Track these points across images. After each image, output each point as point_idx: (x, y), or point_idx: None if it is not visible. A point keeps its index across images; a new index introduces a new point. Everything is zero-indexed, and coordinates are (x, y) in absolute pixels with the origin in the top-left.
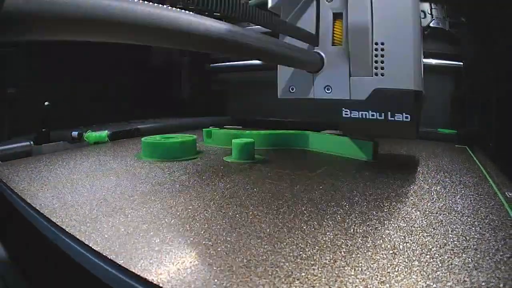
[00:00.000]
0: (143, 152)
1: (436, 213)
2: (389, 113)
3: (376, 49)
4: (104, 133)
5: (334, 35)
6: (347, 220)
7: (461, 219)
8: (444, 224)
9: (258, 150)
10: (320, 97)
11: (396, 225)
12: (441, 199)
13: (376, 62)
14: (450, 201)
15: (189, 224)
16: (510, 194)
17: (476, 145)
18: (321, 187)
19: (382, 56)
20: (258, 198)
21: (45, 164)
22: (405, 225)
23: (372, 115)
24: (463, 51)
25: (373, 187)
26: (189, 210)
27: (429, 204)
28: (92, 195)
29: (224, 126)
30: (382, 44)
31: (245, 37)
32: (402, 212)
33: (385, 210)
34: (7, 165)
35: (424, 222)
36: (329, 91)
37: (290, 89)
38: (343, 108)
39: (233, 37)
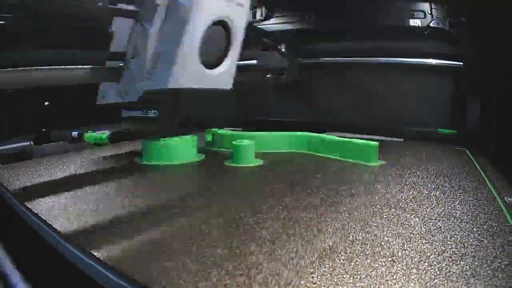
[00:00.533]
0: (144, 155)
1: (435, 219)
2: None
3: (153, 58)
4: (105, 134)
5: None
6: (347, 227)
7: (460, 225)
8: (443, 230)
9: (258, 152)
10: (112, 102)
11: (395, 231)
12: (440, 205)
13: (149, 68)
14: (449, 207)
15: (189, 232)
16: (509, 199)
17: (476, 147)
18: (320, 192)
19: (155, 63)
20: (258, 203)
21: (45, 168)
22: (404, 231)
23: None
24: (463, 51)
25: (373, 192)
26: (189, 216)
27: (428, 210)
28: (92, 202)
29: (225, 128)
30: (159, 53)
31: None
32: (402, 218)
33: (385, 216)
34: (7, 168)
35: (423, 228)
36: (122, 97)
37: (102, 97)
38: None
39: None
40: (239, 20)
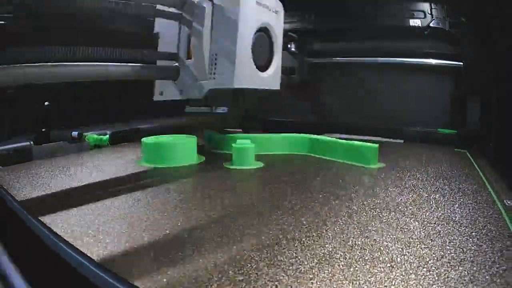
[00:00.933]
0: (143, 157)
1: (434, 223)
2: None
3: (212, 59)
4: (106, 136)
5: (189, 52)
6: (346, 231)
7: (459, 229)
8: (442, 235)
9: (258, 155)
10: (172, 98)
11: (394, 236)
12: (439, 208)
13: (211, 69)
14: (449, 210)
15: (190, 236)
16: (509, 202)
17: (476, 148)
18: (320, 196)
19: (216, 64)
20: (258, 208)
21: (46, 170)
22: (403, 236)
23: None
24: (463, 51)
25: (372, 195)
26: (190, 222)
27: (427, 214)
28: (92, 205)
29: (225, 129)
30: (216, 55)
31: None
32: (401, 222)
33: (384, 220)
34: (8, 171)
35: (422, 233)
36: (181, 94)
37: (160, 93)
38: (187, 105)
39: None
40: (277, 26)
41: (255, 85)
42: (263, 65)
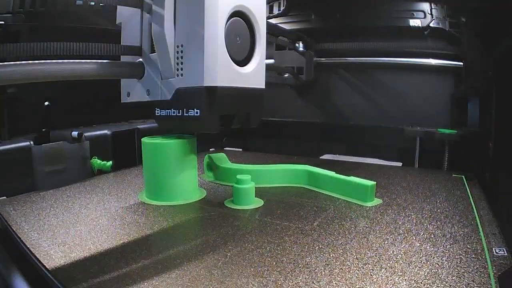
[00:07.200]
0: (146, 190)
1: (421, 283)
2: (185, 109)
3: (177, 52)
4: (109, 163)
5: (153, 44)
6: None
7: None
8: None
9: (258, 187)
10: (140, 100)
11: None
12: (428, 263)
13: (177, 64)
14: (437, 265)
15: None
16: (497, 251)
17: (471, 174)
18: (317, 248)
19: (182, 58)
20: (260, 267)
21: (50, 205)
22: None
23: (173, 112)
24: (463, 51)
25: (366, 246)
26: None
27: (416, 270)
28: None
29: (224, 148)
30: (182, 46)
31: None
32: (389, 282)
33: (374, 279)
34: (13, 203)
35: None
36: (149, 95)
37: (127, 95)
38: (156, 108)
39: (66, 70)
40: (259, 9)
41: (233, 83)
42: (242, 59)
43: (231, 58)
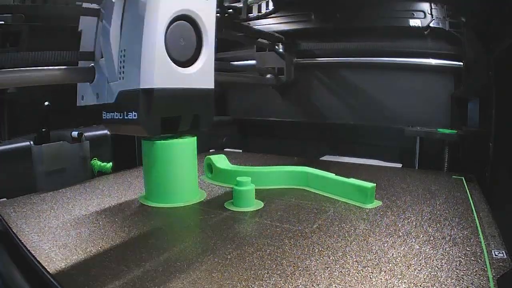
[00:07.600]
0: (147, 193)
1: (420, 285)
2: (125, 112)
3: (120, 56)
4: (109, 164)
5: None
6: None
7: None
8: None
9: (258, 189)
10: (91, 103)
11: None
12: (428, 265)
13: (120, 67)
14: (436, 267)
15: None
16: (496, 253)
17: (471, 175)
18: (316, 250)
19: (124, 61)
20: (260, 271)
21: (51, 207)
22: None
23: (116, 115)
24: (463, 51)
25: (365, 248)
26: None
27: (415, 273)
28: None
29: (224, 149)
30: (125, 50)
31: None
32: (389, 285)
33: (373, 283)
34: (13, 205)
35: None
36: (98, 98)
37: (82, 98)
38: (103, 111)
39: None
40: (207, 14)
41: (174, 84)
42: (186, 60)
43: (172, 60)
